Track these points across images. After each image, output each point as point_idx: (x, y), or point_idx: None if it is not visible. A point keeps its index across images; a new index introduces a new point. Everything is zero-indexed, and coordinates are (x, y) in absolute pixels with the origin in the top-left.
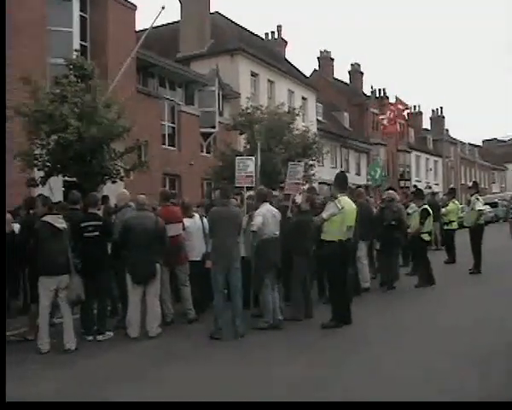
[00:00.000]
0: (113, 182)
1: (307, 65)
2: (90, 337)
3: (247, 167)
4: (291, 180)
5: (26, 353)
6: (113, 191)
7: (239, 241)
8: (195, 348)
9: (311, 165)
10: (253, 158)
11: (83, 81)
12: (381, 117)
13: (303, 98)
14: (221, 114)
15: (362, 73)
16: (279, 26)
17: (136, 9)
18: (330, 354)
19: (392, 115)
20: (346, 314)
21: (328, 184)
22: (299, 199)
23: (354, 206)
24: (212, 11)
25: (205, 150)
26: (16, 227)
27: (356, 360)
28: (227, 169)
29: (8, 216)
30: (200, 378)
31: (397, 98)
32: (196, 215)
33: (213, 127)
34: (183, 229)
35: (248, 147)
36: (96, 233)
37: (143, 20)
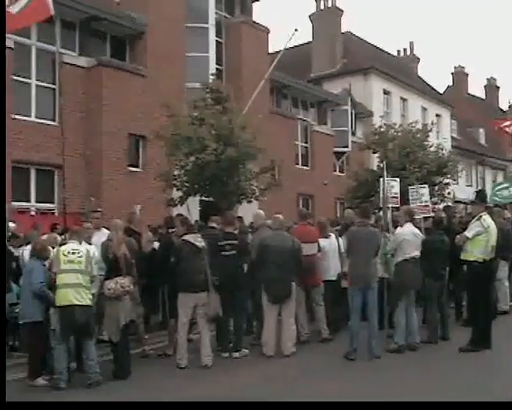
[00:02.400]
0: (249, 202)
1: (441, 81)
2: (226, 354)
3: (392, 188)
4: (415, 203)
5: (166, 367)
6: (247, 211)
7: (376, 261)
8: (329, 368)
9: (446, 183)
10: (398, 179)
11: (219, 104)
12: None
13: (437, 115)
14: (354, 133)
15: (498, 88)
16: (411, 43)
17: (269, 32)
18: (464, 378)
19: None
20: (486, 338)
21: (464, 203)
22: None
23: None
24: (343, 31)
25: (338, 170)
26: (156, 245)
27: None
28: (361, 188)
29: (149, 234)
30: (333, 398)
31: None
32: (332, 235)
33: (346, 146)
34: (319, 250)
35: (382, 166)
36: (233, 252)
37: (276, 41)
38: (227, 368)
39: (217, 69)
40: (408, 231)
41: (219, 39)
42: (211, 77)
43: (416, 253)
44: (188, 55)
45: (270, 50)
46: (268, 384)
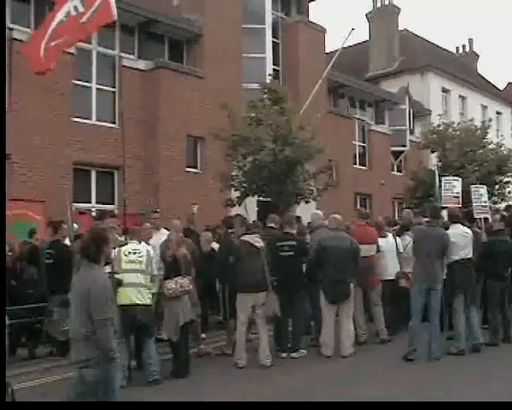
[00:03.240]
0: (307, 202)
1: (501, 78)
2: (284, 355)
3: (454, 188)
4: (476, 203)
5: (224, 366)
6: (305, 211)
7: (443, 262)
8: (387, 369)
9: (507, 182)
10: (460, 179)
11: (277, 104)
12: None
13: (497, 113)
14: (412, 132)
15: None
16: (470, 40)
17: (325, 32)
18: None
19: None
20: None
21: None
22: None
23: None
24: (400, 28)
25: (395, 169)
26: (215, 245)
27: None
28: (419, 188)
29: (208, 235)
30: (390, 399)
31: None
32: (389, 235)
33: (404, 146)
34: (378, 251)
35: (440, 165)
36: (292, 252)
37: (332, 41)
38: (285, 368)
39: (273, 70)
40: (454, 233)
41: (276, 40)
42: (268, 77)
43: (466, 253)
44: (244, 56)
45: (327, 50)
46: (326, 385)
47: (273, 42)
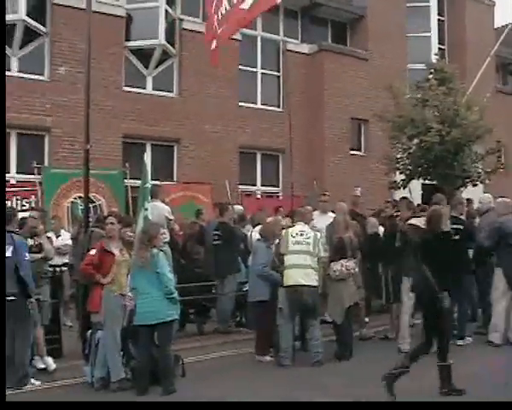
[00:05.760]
0: (474, 185)
1: None
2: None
3: None
4: None
5: (387, 350)
6: (471, 195)
7: None
8: None
9: None
10: None
11: (443, 84)
12: None
13: None
14: None
15: None
16: None
17: (494, 5)
18: None
19: None
20: None
21: None
22: None
23: None
24: None
25: None
26: (381, 230)
27: None
28: None
29: (373, 219)
30: None
31: None
32: None
33: None
34: None
35: None
36: (457, 237)
37: (502, 15)
38: (451, 356)
39: (439, 48)
40: None
41: (441, 17)
42: (434, 57)
43: None
44: (408, 36)
45: (496, 25)
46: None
47: (438, 20)
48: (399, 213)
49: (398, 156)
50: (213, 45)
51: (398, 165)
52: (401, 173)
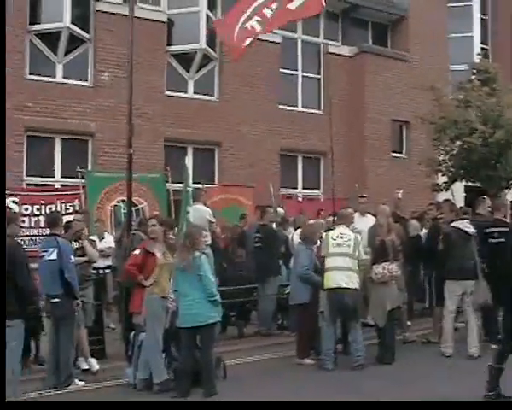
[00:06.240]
0: None
1: None
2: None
3: None
4: None
5: (429, 354)
6: None
7: None
8: None
9: None
10: None
11: (486, 85)
12: None
13: None
14: None
15: None
16: None
17: None
18: None
19: None
20: None
21: None
22: None
23: None
24: None
25: None
26: (422, 232)
27: None
28: None
29: (415, 222)
30: None
31: None
32: None
33: None
34: None
35: None
36: (502, 239)
37: None
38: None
39: (481, 48)
40: None
41: (484, 16)
42: (476, 57)
43: None
44: (450, 36)
45: None
46: None
47: (481, 19)
48: (442, 216)
49: (441, 158)
50: (246, 43)
51: (440, 167)
52: (443, 175)
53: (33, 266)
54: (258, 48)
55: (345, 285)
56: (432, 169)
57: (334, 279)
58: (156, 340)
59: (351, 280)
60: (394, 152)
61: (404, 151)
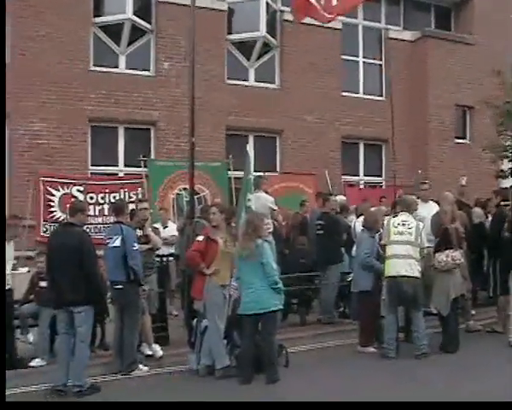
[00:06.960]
0: None
1: None
2: None
3: None
4: None
5: (494, 344)
6: None
7: None
8: None
9: None
10: None
11: None
12: None
13: None
14: None
15: None
16: None
17: None
18: None
19: None
20: None
21: None
22: None
23: None
24: None
25: None
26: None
27: None
28: None
29: (479, 210)
30: None
31: None
32: None
33: None
34: None
35: None
36: None
37: None
38: None
39: None
40: None
41: None
42: None
43: None
44: None
45: None
46: None
47: None
48: (508, 203)
49: (506, 144)
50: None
51: (505, 153)
52: (509, 162)
53: (99, 253)
54: (318, 34)
55: (405, 273)
56: (496, 155)
57: (394, 267)
58: (217, 327)
59: (411, 268)
60: (458, 138)
61: (467, 137)
